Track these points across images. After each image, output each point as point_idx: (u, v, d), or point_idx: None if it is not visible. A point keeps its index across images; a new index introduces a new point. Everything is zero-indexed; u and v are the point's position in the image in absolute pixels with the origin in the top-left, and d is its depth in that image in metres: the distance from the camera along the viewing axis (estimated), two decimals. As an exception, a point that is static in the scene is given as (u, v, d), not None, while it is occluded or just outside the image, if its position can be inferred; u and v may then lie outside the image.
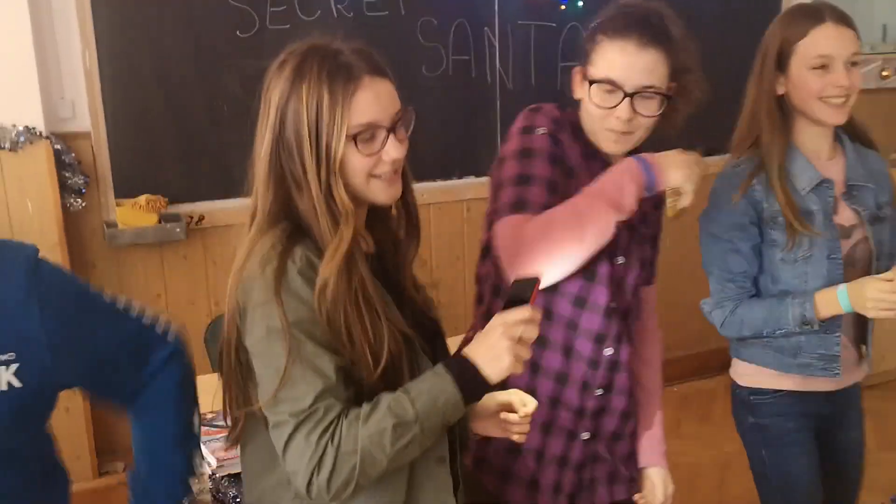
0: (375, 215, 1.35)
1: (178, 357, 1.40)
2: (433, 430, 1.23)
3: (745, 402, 1.94)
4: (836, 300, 1.72)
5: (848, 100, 1.75)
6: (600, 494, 1.78)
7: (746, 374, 1.94)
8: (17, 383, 1.21)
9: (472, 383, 1.22)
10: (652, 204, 1.70)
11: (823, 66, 1.72)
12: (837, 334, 1.82)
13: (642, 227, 1.71)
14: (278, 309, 1.17)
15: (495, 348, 1.22)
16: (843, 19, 1.75)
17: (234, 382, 1.28)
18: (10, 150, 2.75)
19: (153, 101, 2.98)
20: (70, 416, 2.83)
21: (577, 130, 1.63)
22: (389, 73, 1.26)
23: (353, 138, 1.21)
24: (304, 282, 1.19)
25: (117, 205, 2.98)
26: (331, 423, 1.18)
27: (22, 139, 2.76)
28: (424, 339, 1.33)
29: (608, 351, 1.68)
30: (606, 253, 1.61)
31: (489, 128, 3.50)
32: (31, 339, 1.22)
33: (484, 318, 1.67)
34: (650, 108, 1.56)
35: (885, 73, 4.22)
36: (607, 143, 1.60)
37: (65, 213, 2.87)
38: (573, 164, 1.62)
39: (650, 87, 1.54)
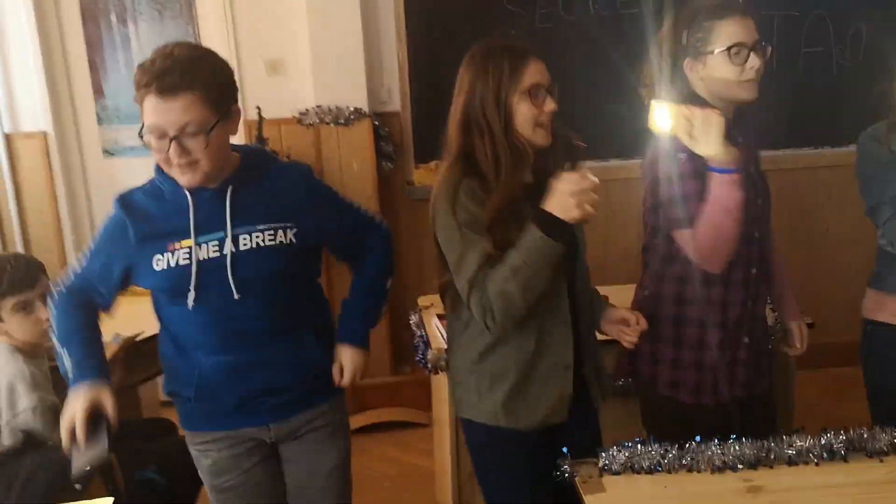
0: (538, 156, 1.88)
1: (386, 240, 2.13)
2: (541, 266, 1.73)
3: (864, 330, 2.31)
4: None
5: None
6: (760, 384, 2.18)
7: (869, 308, 2.30)
8: (295, 241, 1.90)
9: (553, 226, 1.72)
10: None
11: None
12: None
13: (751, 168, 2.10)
14: (452, 216, 1.80)
15: (564, 202, 1.70)
16: None
17: (439, 261, 1.93)
18: (344, 125, 3.71)
19: (447, 87, 3.71)
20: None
21: None
22: (544, 56, 1.86)
23: (528, 93, 1.80)
24: (468, 198, 1.79)
25: (416, 168, 3.86)
26: (485, 282, 1.78)
27: (352, 117, 3.71)
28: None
29: (753, 270, 2.08)
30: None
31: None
32: (303, 215, 1.92)
33: (653, 279, 2.16)
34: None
35: None
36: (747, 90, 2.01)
37: (379, 173, 3.78)
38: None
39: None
